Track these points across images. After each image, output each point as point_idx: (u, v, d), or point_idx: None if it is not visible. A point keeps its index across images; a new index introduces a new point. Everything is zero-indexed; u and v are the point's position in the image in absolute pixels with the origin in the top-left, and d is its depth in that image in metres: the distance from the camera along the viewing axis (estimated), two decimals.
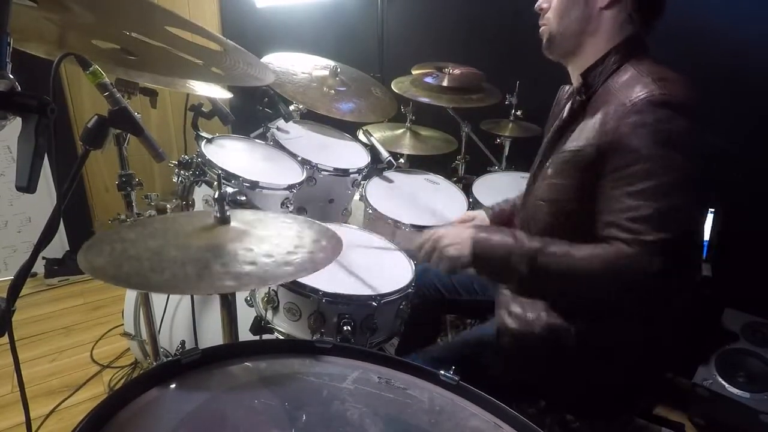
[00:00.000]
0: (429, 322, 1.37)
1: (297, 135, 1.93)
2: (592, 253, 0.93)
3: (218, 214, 0.94)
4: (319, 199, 1.78)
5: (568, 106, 1.10)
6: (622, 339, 1.04)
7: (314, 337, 1.11)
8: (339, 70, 1.98)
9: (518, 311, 1.11)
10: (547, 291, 1.03)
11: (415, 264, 1.34)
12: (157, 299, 1.51)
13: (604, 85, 1.01)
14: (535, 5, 1.10)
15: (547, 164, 1.09)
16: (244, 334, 1.22)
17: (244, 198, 1.39)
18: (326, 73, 1.98)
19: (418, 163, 2.17)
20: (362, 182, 1.82)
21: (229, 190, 1.34)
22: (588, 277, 0.94)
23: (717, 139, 0.94)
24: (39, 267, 2.47)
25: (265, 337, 1.24)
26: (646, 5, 1.01)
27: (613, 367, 1.07)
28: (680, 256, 0.90)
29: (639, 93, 0.92)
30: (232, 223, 0.95)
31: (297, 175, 1.66)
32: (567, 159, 1.02)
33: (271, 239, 0.92)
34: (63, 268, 2.50)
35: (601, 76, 1.02)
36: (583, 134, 0.99)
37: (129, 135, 1.17)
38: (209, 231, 0.92)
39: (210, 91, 1.56)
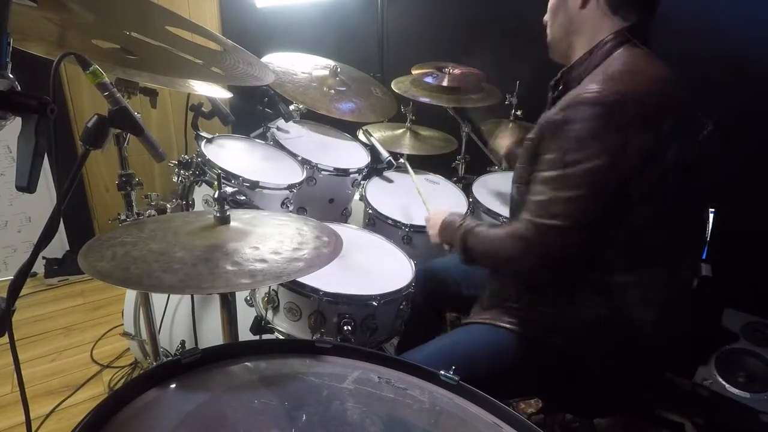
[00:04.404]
0: (430, 319, 1.37)
1: (297, 135, 1.93)
2: (505, 232, 1.05)
3: (218, 214, 0.94)
4: (319, 199, 1.78)
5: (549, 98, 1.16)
6: (620, 333, 1.04)
7: (314, 337, 1.11)
8: (339, 70, 1.98)
9: (514, 305, 1.12)
10: (482, 265, 1.17)
11: (415, 263, 1.34)
12: (157, 299, 1.51)
13: (584, 80, 1.04)
14: (543, 19, 1.17)
15: None
16: (244, 334, 1.22)
17: (243, 197, 1.39)
18: (326, 73, 1.98)
19: (418, 163, 2.17)
20: (362, 182, 1.82)
21: (229, 189, 1.34)
22: (500, 255, 1.06)
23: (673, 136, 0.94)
24: (39, 267, 2.46)
25: (265, 337, 1.24)
26: None
27: (613, 366, 1.07)
28: (576, 247, 0.97)
29: (583, 90, 0.96)
30: (232, 223, 0.95)
31: (297, 175, 1.66)
32: (525, 146, 1.08)
33: (273, 237, 0.93)
34: (63, 268, 2.50)
35: (585, 71, 1.05)
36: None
37: (129, 135, 1.17)
38: (210, 231, 0.93)
39: (210, 91, 1.56)
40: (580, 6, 1.05)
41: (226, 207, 0.95)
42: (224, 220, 0.95)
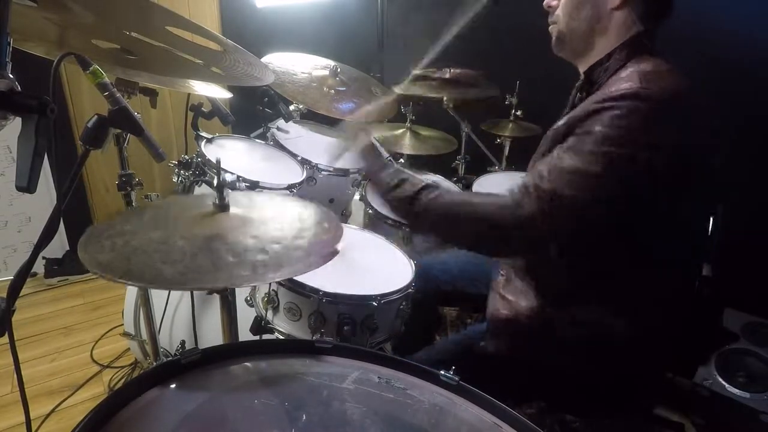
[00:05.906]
0: (430, 319, 1.37)
1: (297, 135, 1.93)
2: (496, 197, 0.96)
3: (218, 202, 0.92)
4: (319, 199, 1.76)
5: (570, 100, 1.11)
6: (618, 332, 1.04)
7: (314, 337, 1.11)
8: (339, 70, 1.98)
9: (510, 298, 1.12)
10: (439, 233, 1.08)
11: (415, 263, 1.34)
12: (157, 299, 1.51)
13: (607, 82, 1.00)
14: (544, 2, 1.08)
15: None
16: (244, 334, 1.22)
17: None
18: (326, 73, 1.98)
19: (418, 164, 2.17)
20: (362, 182, 1.82)
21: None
22: (489, 221, 0.94)
23: (703, 137, 0.93)
24: (39, 267, 2.46)
25: (265, 337, 1.24)
26: (655, 6, 1.00)
27: (611, 364, 1.07)
28: (586, 224, 0.91)
29: (621, 87, 0.91)
30: (231, 209, 0.93)
31: (297, 175, 1.66)
32: (547, 136, 1.02)
33: (272, 223, 0.91)
34: (63, 268, 2.50)
35: (606, 73, 1.01)
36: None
37: (129, 135, 1.17)
38: (209, 218, 0.90)
39: (210, 91, 1.56)
40: (615, 7, 0.98)
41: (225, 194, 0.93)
42: (223, 208, 0.92)
